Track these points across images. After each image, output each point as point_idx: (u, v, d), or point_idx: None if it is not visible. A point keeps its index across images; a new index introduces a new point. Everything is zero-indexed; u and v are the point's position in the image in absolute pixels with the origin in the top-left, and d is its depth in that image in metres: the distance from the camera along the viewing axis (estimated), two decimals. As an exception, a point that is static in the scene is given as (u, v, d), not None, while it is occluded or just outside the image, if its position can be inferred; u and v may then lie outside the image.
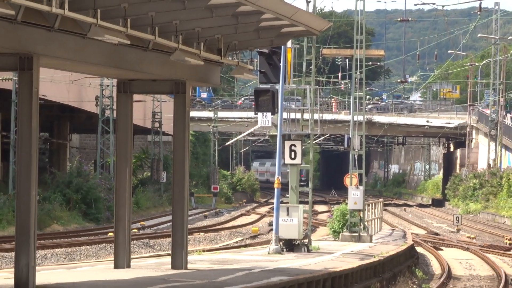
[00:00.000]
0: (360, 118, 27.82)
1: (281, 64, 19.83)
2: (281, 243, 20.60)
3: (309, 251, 21.84)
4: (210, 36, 14.96)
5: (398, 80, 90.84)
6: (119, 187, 15.67)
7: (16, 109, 30.73)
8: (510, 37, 68.95)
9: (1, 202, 32.97)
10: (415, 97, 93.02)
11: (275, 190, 20.40)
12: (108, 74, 20.34)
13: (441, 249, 33.02)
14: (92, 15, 10.90)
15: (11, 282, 11.42)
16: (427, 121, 71.42)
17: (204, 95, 62.84)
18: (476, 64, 74.76)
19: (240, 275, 14.80)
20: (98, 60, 13.27)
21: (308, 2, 22.54)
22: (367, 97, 46.78)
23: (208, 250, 24.89)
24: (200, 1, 12.31)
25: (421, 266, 27.50)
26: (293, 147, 20.43)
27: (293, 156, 20.34)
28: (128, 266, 15.57)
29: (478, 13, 56.74)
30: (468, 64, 76.69)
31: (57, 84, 38.01)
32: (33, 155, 11.53)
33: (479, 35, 71.85)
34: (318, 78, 36.08)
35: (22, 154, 11.95)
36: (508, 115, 67.10)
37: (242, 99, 68.59)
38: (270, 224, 29.53)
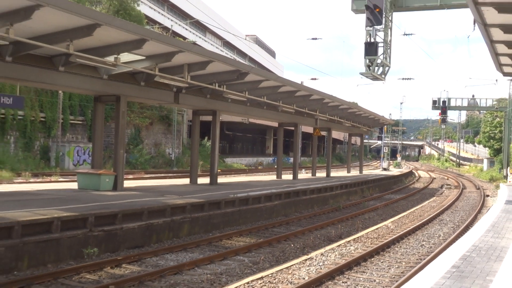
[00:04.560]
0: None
1: (383, 130, 61.10)
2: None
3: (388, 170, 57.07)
4: (364, 124, 47.19)
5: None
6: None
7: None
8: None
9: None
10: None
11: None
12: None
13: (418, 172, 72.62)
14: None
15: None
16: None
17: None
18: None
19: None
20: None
21: (389, 116, 64.84)
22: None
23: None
24: (361, 116, 41.64)
25: (414, 175, 62.89)
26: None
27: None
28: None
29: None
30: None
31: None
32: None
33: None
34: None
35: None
36: None
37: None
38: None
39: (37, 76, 16.26)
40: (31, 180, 27.03)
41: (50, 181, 26.17)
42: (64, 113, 39.69)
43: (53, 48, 14.60)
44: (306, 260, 13.12)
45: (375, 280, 11.47)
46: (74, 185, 20.82)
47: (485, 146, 76.52)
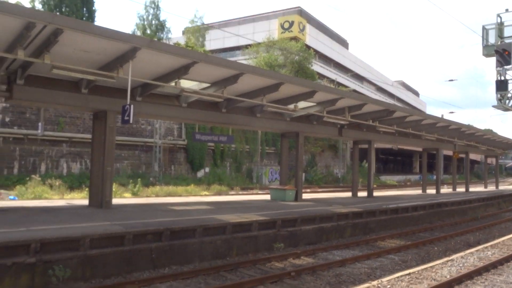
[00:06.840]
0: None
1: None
2: None
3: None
4: (498, 147, 40.18)
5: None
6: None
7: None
8: None
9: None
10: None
11: None
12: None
13: None
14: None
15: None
16: None
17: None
18: None
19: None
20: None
21: None
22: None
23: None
24: (495, 141, 35.76)
25: None
26: None
27: None
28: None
29: None
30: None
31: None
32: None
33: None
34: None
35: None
36: None
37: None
38: None
39: (243, 121, 17.30)
40: (240, 192, 28.67)
41: (252, 194, 27.44)
42: (262, 145, 41.65)
43: (252, 101, 15.46)
44: (447, 261, 11.76)
45: (511, 283, 9.86)
46: (267, 197, 21.55)
47: None
